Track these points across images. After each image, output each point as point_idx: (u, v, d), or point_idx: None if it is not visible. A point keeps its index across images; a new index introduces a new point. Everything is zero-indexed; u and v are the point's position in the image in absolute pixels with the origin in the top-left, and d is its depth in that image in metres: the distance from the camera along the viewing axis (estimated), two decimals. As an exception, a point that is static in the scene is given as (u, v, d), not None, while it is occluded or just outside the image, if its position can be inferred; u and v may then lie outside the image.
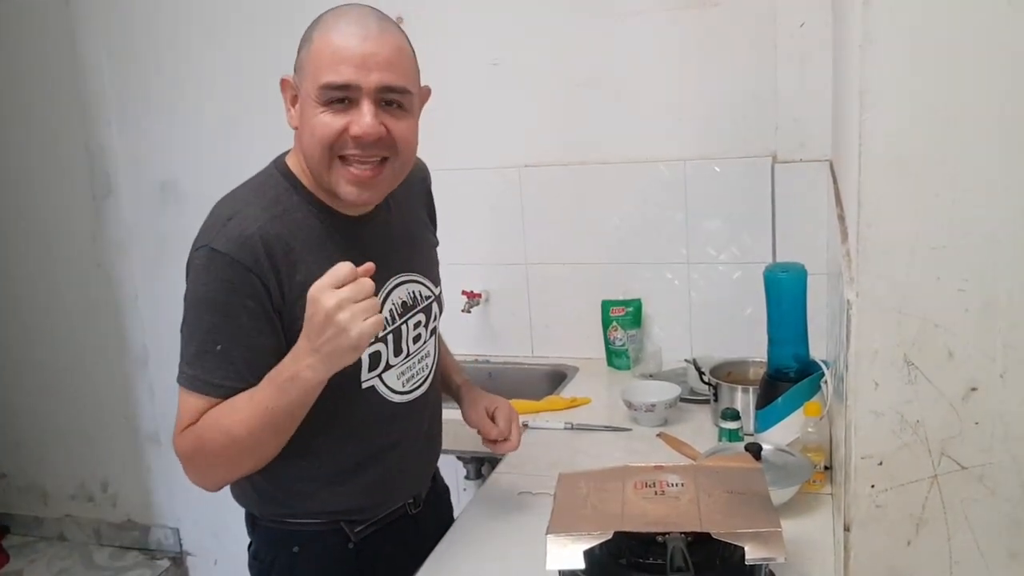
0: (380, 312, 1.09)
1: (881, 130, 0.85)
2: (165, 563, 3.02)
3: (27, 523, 3.26)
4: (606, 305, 2.23)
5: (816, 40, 1.96)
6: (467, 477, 2.17)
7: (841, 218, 1.21)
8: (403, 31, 1.20)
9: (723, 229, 2.15)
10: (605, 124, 2.21)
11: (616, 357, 2.24)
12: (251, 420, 1.12)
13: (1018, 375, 0.88)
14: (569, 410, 1.99)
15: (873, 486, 0.94)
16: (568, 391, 2.13)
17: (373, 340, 1.22)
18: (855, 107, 0.87)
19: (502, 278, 2.38)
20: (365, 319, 1.06)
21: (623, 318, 2.21)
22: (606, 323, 2.23)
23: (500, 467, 1.70)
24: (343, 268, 1.07)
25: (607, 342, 2.25)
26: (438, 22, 2.26)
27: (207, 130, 2.61)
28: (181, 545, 3.05)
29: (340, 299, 1.05)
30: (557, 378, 2.26)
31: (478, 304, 2.37)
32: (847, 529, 0.97)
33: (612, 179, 2.22)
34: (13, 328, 3.08)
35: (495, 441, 1.44)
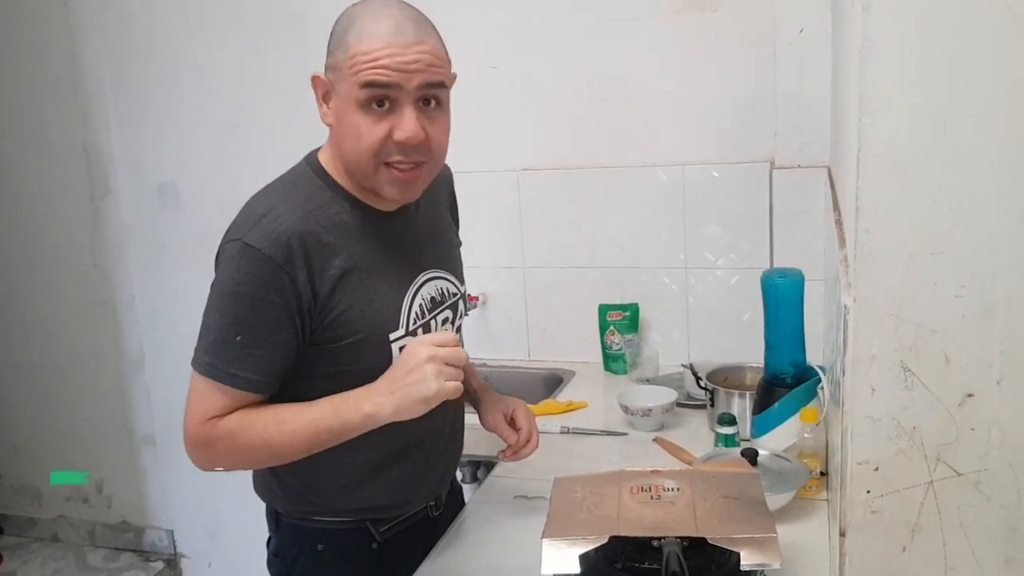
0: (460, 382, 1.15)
1: (879, 136, 0.86)
2: (159, 565, 3.01)
3: (21, 524, 3.25)
4: (603, 309, 2.23)
5: (815, 46, 1.97)
6: (463, 481, 2.16)
7: (839, 223, 1.21)
8: (432, 23, 1.23)
9: (721, 234, 2.15)
10: (604, 128, 2.21)
11: (613, 361, 2.24)
12: (295, 432, 1.16)
13: (1015, 381, 0.88)
14: (565, 414, 1.99)
15: (869, 492, 0.94)
16: (565, 395, 2.13)
17: (403, 335, 1.26)
18: (854, 113, 0.87)
19: (499, 281, 2.38)
20: (448, 380, 1.12)
21: (620, 322, 2.21)
22: (603, 327, 2.23)
23: (496, 471, 1.69)
24: (448, 334, 1.18)
25: (604, 346, 2.24)
26: (437, 25, 2.24)
27: (205, 132, 2.61)
28: (175, 547, 3.03)
29: (436, 354, 1.13)
30: (554, 382, 2.25)
31: (475, 307, 2.37)
32: (842, 535, 0.97)
33: (610, 183, 2.22)
34: (9, 328, 3.07)
35: (515, 450, 1.44)
